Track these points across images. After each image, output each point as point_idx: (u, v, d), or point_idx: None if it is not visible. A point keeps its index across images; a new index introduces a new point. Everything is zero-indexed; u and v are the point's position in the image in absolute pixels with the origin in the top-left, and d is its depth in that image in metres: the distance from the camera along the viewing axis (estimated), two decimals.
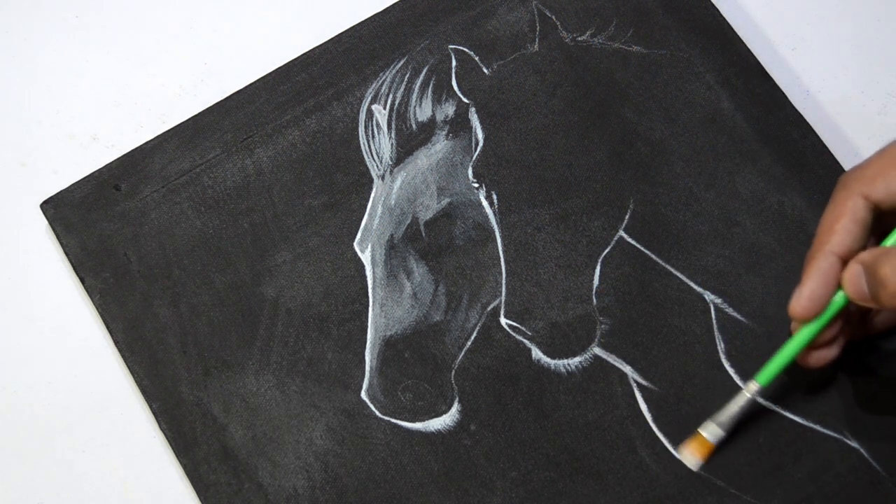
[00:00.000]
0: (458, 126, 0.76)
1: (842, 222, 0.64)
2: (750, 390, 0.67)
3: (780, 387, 0.69)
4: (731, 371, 0.70)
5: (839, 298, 0.64)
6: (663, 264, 0.72)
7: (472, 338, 0.71)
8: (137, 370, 0.71)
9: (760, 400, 0.69)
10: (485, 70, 0.77)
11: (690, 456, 0.68)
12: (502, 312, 0.72)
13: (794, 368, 0.69)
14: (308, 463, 0.69)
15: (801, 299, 0.64)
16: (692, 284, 0.72)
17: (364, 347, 0.71)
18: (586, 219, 0.73)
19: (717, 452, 0.68)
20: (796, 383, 0.70)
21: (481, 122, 0.76)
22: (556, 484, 0.68)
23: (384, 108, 0.76)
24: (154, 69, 0.80)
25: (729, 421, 0.67)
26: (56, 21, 0.81)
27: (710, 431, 0.67)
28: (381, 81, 0.77)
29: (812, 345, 0.66)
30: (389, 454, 0.69)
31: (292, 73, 0.77)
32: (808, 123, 0.75)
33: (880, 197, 0.64)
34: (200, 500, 0.68)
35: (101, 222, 0.74)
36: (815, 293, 0.64)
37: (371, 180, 0.75)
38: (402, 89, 0.77)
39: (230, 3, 0.82)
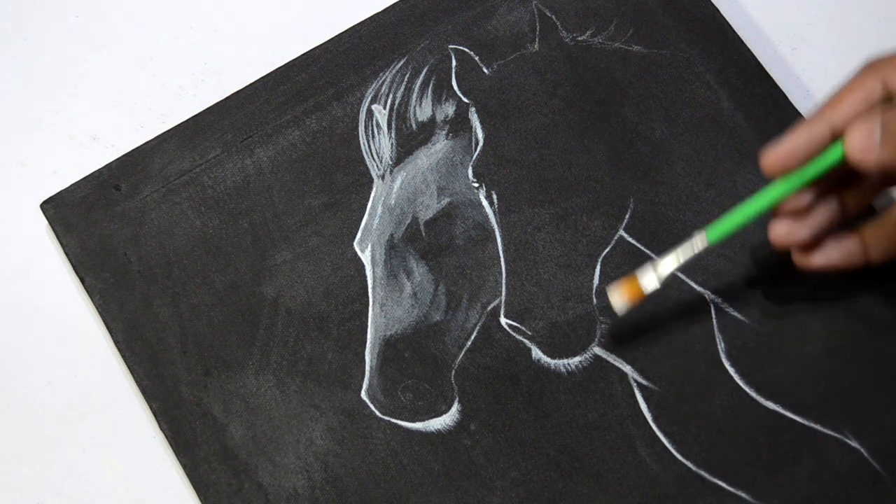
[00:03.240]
0: (458, 126, 0.76)
1: (851, 97, 0.62)
2: (696, 242, 0.65)
3: (780, 385, 0.69)
4: (731, 371, 0.70)
5: (818, 164, 0.62)
6: None
7: (472, 338, 0.71)
8: (137, 370, 0.71)
9: (758, 397, 0.69)
10: (485, 70, 0.77)
11: (619, 297, 0.67)
12: (502, 312, 0.72)
13: (793, 366, 0.69)
14: (308, 463, 0.69)
15: (778, 151, 0.62)
16: (692, 284, 0.72)
17: (364, 347, 0.71)
18: (586, 218, 0.73)
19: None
20: (797, 383, 0.70)
21: (481, 122, 0.76)
22: (556, 484, 0.68)
23: (384, 108, 0.76)
24: (154, 69, 0.80)
25: (668, 274, 0.66)
26: (56, 21, 0.81)
27: (645, 277, 0.66)
28: (381, 81, 0.77)
29: (780, 211, 0.64)
30: (389, 454, 0.69)
31: (292, 73, 0.77)
32: None
33: None
34: (200, 500, 0.68)
35: (101, 222, 0.74)
36: (794, 147, 0.62)
37: (371, 180, 0.75)
38: (402, 89, 0.77)
39: (230, 3, 0.82)
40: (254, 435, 0.69)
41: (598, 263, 0.72)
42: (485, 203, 0.74)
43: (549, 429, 0.69)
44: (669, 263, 0.67)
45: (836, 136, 0.62)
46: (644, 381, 0.70)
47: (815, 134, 0.62)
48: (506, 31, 0.78)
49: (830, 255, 0.66)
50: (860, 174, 0.63)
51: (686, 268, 0.72)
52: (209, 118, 0.76)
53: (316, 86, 0.77)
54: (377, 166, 0.75)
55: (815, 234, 0.65)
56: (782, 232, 0.65)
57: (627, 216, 0.73)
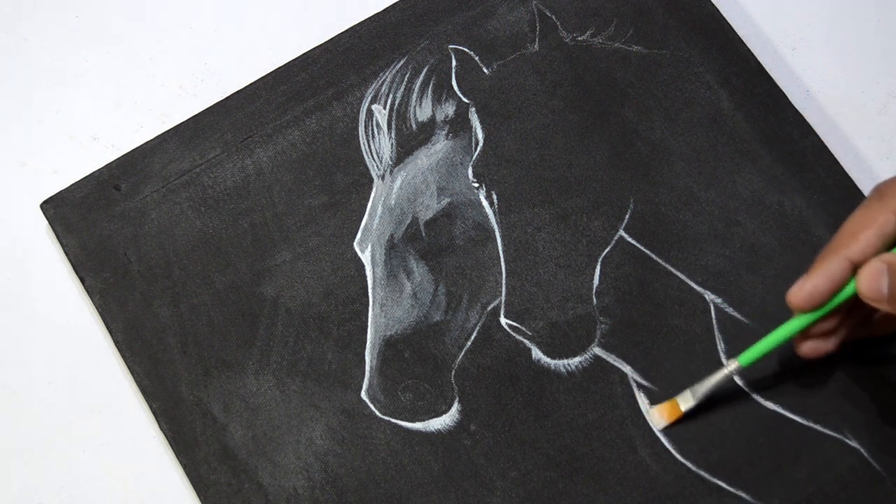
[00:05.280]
0: (458, 126, 0.76)
1: (866, 234, 0.64)
2: (729, 367, 0.67)
3: (779, 386, 0.69)
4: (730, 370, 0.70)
5: (840, 295, 0.64)
6: (663, 264, 0.72)
7: (472, 338, 0.71)
8: (137, 370, 0.71)
9: (758, 397, 0.69)
10: (485, 70, 0.77)
11: (658, 418, 0.69)
12: (502, 312, 0.72)
13: (793, 367, 0.70)
14: (308, 463, 0.69)
15: (802, 291, 0.64)
16: (692, 284, 0.72)
17: (364, 347, 0.71)
18: (586, 218, 0.73)
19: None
20: (796, 383, 0.70)
21: (481, 122, 0.76)
22: (556, 484, 0.68)
23: (384, 108, 0.76)
24: (154, 69, 0.80)
25: (703, 393, 0.68)
26: (56, 21, 0.81)
27: (684, 399, 0.68)
28: (381, 81, 0.77)
29: (808, 334, 0.66)
30: (389, 454, 0.69)
31: (292, 73, 0.77)
32: (808, 123, 0.75)
33: None
34: (200, 500, 0.68)
35: (101, 222, 0.74)
36: (817, 288, 0.64)
37: (371, 180, 0.75)
38: (402, 89, 0.77)
39: (230, 3, 0.82)
40: (254, 435, 0.69)
41: (598, 263, 0.72)
42: (485, 203, 0.74)
43: (549, 429, 0.69)
44: (704, 384, 0.68)
45: (856, 270, 0.64)
46: (644, 382, 0.70)
47: (836, 273, 0.64)
48: (506, 31, 0.78)
49: (839, 341, 0.68)
50: None
51: (686, 268, 0.72)
52: (209, 118, 0.76)
53: (316, 86, 0.77)
54: (377, 166, 0.75)
55: (840, 344, 0.67)
56: (809, 350, 0.67)
57: (627, 216, 0.73)
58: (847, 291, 0.64)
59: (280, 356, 0.71)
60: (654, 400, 0.70)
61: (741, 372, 0.67)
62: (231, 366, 0.71)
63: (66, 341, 0.73)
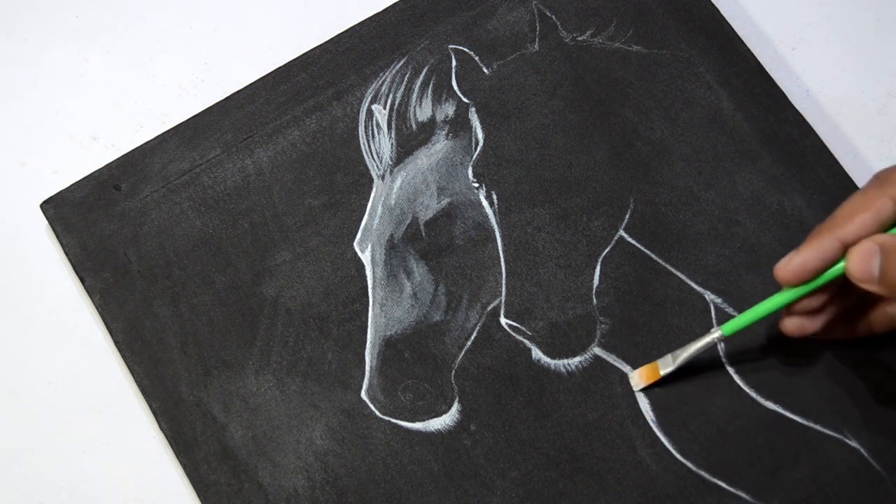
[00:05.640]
0: (458, 126, 0.76)
1: (862, 216, 0.63)
2: (712, 335, 0.67)
3: (779, 386, 0.69)
4: (731, 371, 0.70)
5: (829, 273, 0.64)
6: (663, 264, 0.72)
7: (472, 338, 0.71)
8: (137, 370, 0.71)
9: (758, 397, 0.69)
10: (485, 70, 0.77)
11: (637, 379, 0.69)
12: (502, 312, 0.72)
13: (794, 367, 0.70)
14: (308, 463, 0.69)
15: (790, 264, 0.64)
16: (692, 284, 0.72)
17: (364, 347, 0.71)
18: (586, 218, 0.73)
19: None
20: (796, 383, 0.70)
21: (481, 122, 0.76)
22: (556, 484, 0.68)
23: (384, 108, 0.76)
24: (154, 69, 0.80)
25: (683, 358, 0.68)
26: (56, 21, 0.81)
27: (664, 362, 0.69)
28: (381, 81, 0.77)
29: (793, 311, 0.66)
30: (389, 454, 0.69)
31: (292, 73, 0.77)
32: (808, 123, 0.75)
33: None
34: (200, 500, 0.68)
35: (101, 222, 0.74)
36: (806, 263, 0.64)
37: (371, 180, 0.75)
38: (402, 89, 0.77)
39: (230, 3, 0.82)
40: (254, 435, 0.69)
41: (598, 263, 0.72)
42: (485, 203, 0.74)
43: (549, 429, 0.69)
44: (686, 349, 0.69)
45: (847, 250, 0.64)
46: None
47: (826, 250, 0.63)
48: (506, 31, 0.78)
49: (833, 332, 0.68)
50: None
51: (686, 268, 0.72)
52: (209, 118, 0.76)
53: (316, 86, 0.77)
54: (377, 166, 0.75)
55: (826, 325, 0.67)
56: (793, 326, 0.67)
57: (627, 216, 0.73)
58: (835, 270, 0.64)
59: (280, 356, 0.71)
60: (654, 400, 0.70)
61: (724, 340, 0.67)
62: (231, 366, 0.71)
63: (66, 341, 0.73)
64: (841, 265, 0.64)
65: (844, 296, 0.67)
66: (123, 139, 0.78)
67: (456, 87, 0.76)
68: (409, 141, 0.75)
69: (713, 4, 0.78)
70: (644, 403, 0.70)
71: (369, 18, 0.79)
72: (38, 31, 0.81)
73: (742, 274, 0.72)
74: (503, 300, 0.72)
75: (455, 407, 0.70)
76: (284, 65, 0.77)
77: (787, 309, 0.66)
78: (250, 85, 0.77)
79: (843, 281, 0.64)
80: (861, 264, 0.62)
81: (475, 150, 0.75)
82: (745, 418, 0.69)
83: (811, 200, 0.73)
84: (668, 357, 0.69)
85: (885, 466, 0.68)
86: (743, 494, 0.68)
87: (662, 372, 0.69)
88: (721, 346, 0.71)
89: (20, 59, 0.80)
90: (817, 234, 0.64)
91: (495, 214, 0.74)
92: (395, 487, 0.68)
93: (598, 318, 0.71)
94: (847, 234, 0.63)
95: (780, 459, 0.68)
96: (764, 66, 0.77)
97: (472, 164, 0.75)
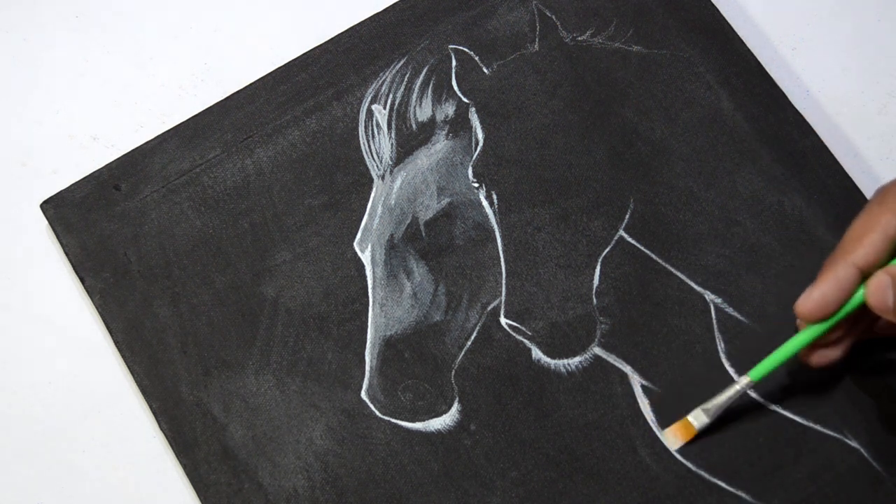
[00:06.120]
0: (458, 126, 0.76)
1: (871, 237, 0.64)
2: (741, 383, 0.67)
3: (779, 386, 0.70)
4: (731, 371, 0.70)
5: (849, 305, 0.64)
6: (663, 264, 0.72)
7: (472, 338, 0.71)
8: (137, 370, 0.71)
9: (758, 397, 0.69)
10: (485, 70, 0.77)
11: (673, 438, 0.69)
12: (502, 312, 0.72)
13: (794, 367, 0.70)
14: (308, 463, 0.69)
15: (811, 300, 0.64)
16: (692, 284, 0.72)
17: (364, 347, 0.71)
18: (586, 218, 0.73)
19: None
20: (796, 383, 0.70)
21: (481, 122, 0.76)
22: (556, 484, 0.68)
23: (384, 108, 0.76)
24: (154, 69, 0.80)
25: (715, 410, 0.68)
26: (56, 21, 0.81)
27: (696, 417, 0.68)
28: (381, 81, 0.77)
29: (816, 343, 0.66)
30: (389, 454, 0.69)
31: (292, 73, 0.77)
32: (808, 123, 0.75)
33: None
34: (200, 500, 0.68)
35: (101, 222, 0.74)
36: (826, 297, 0.64)
37: (371, 180, 0.75)
38: (402, 89, 0.77)
39: (230, 3, 0.82)
40: (254, 435, 0.69)
41: (598, 263, 0.72)
42: (485, 203, 0.74)
43: (549, 429, 0.69)
44: (716, 400, 0.68)
45: (864, 276, 0.64)
46: (644, 382, 0.70)
47: (843, 280, 0.64)
48: (506, 31, 0.78)
49: (847, 347, 0.68)
50: None
51: (686, 268, 0.72)
52: (209, 118, 0.76)
53: (316, 86, 0.77)
54: (377, 166, 0.75)
55: (847, 351, 0.67)
56: (818, 359, 0.67)
57: (627, 216, 0.73)
58: (855, 301, 0.64)
59: (280, 356, 0.71)
60: (654, 400, 0.70)
61: (753, 387, 0.67)
62: (231, 366, 0.71)
63: (66, 341, 0.73)
64: (859, 296, 0.64)
65: (862, 318, 0.67)
66: (123, 139, 0.78)
67: (456, 87, 0.76)
68: (409, 141, 0.75)
69: (713, 4, 0.78)
70: (644, 403, 0.70)
71: (369, 18, 0.79)
72: (38, 31, 0.81)
73: (742, 274, 0.72)
74: (503, 300, 0.72)
75: (455, 407, 0.70)
76: (284, 65, 0.77)
77: (809, 344, 0.66)
78: (250, 85, 0.77)
79: (860, 307, 0.65)
80: (878, 296, 0.63)
81: (475, 150, 0.75)
82: (745, 418, 0.69)
83: (811, 200, 0.73)
84: (698, 411, 0.68)
85: (885, 466, 0.68)
86: (743, 494, 0.68)
87: (697, 426, 0.68)
88: (721, 346, 0.71)
89: (20, 59, 0.80)
90: (831, 264, 0.64)
91: (495, 214, 0.74)
92: (395, 487, 0.68)
93: (598, 318, 0.71)
94: (859, 258, 0.64)
95: (780, 459, 0.68)
96: (764, 66, 0.77)
97: (472, 164, 0.75)
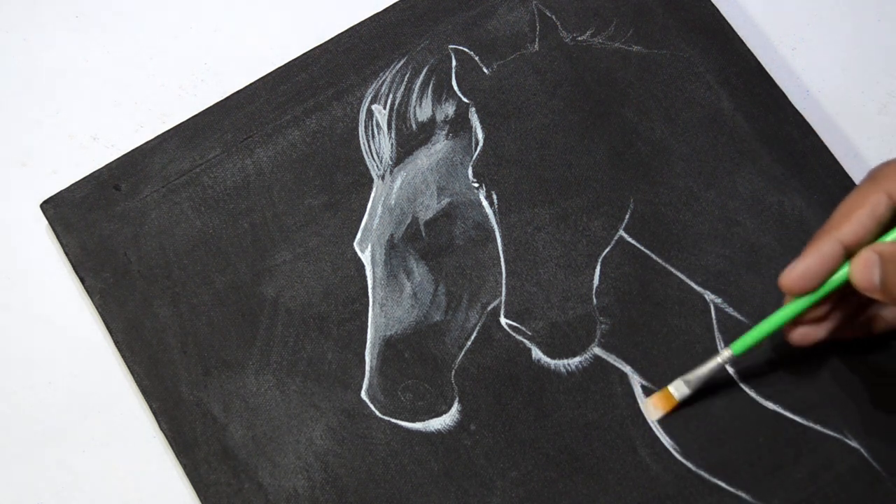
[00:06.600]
0: (458, 126, 0.76)
1: (858, 213, 0.63)
2: (723, 356, 0.67)
3: (780, 386, 0.69)
4: (730, 371, 0.70)
5: (833, 281, 0.64)
6: (663, 264, 0.72)
7: (472, 338, 0.71)
8: (137, 370, 0.71)
9: (758, 397, 0.69)
10: (485, 70, 0.77)
11: (653, 408, 0.69)
12: (502, 312, 0.72)
13: (794, 367, 0.70)
14: (308, 463, 0.69)
15: (794, 273, 0.64)
16: (692, 284, 0.72)
17: (364, 347, 0.71)
18: (586, 218, 0.73)
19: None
20: (797, 383, 0.70)
21: (481, 122, 0.76)
22: (556, 484, 0.68)
23: (384, 108, 0.76)
24: (154, 69, 0.80)
25: (696, 381, 0.68)
26: (56, 21, 0.81)
27: (677, 388, 0.68)
28: (381, 81, 0.77)
29: (799, 321, 0.66)
30: (389, 454, 0.69)
31: (292, 73, 0.77)
32: (808, 123, 0.75)
33: None
34: (200, 500, 0.68)
35: (101, 222, 0.74)
36: (809, 269, 0.64)
37: (371, 180, 0.75)
38: (402, 89, 0.77)
39: (230, 3, 0.82)
40: (254, 435, 0.69)
41: (598, 263, 0.72)
42: (485, 203, 0.74)
43: (549, 429, 0.69)
44: (697, 372, 0.68)
45: (849, 253, 0.64)
46: (644, 382, 0.70)
47: (828, 255, 0.64)
48: (506, 31, 0.78)
49: (834, 333, 0.68)
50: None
51: (686, 268, 0.72)
52: (209, 118, 0.76)
53: (316, 86, 0.77)
54: (377, 166, 0.75)
55: (831, 332, 0.67)
56: (800, 336, 0.67)
57: (627, 216, 0.73)
58: (839, 277, 0.64)
59: (280, 356, 0.71)
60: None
61: (734, 360, 0.67)
62: (231, 366, 0.71)
63: (66, 341, 0.73)
64: (844, 271, 0.64)
65: (847, 301, 0.67)
66: (123, 139, 0.78)
67: (456, 87, 0.77)
68: (409, 141, 0.75)
69: (713, 4, 0.78)
70: (641, 397, 0.70)
71: (369, 18, 0.79)
72: (38, 31, 0.81)
73: (742, 274, 0.72)
74: (503, 300, 0.72)
75: (455, 407, 0.70)
76: (284, 65, 0.77)
77: (793, 320, 0.66)
78: (250, 85, 0.77)
79: (845, 286, 0.64)
80: (863, 273, 0.62)
81: (475, 150, 0.75)
82: (745, 418, 0.69)
83: (811, 200, 0.73)
84: (680, 382, 0.68)
85: (885, 466, 0.68)
86: (743, 494, 0.68)
87: (678, 397, 0.68)
88: (721, 346, 0.71)
89: (20, 59, 0.80)
90: (817, 239, 0.64)
91: (495, 214, 0.74)
92: (395, 487, 0.68)
93: (598, 318, 0.71)
94: (845, 234, 0.64)
95: (780, 459, 0.68)
96: (764, 66, 0.77)
97: (472, 164, 0.75)
